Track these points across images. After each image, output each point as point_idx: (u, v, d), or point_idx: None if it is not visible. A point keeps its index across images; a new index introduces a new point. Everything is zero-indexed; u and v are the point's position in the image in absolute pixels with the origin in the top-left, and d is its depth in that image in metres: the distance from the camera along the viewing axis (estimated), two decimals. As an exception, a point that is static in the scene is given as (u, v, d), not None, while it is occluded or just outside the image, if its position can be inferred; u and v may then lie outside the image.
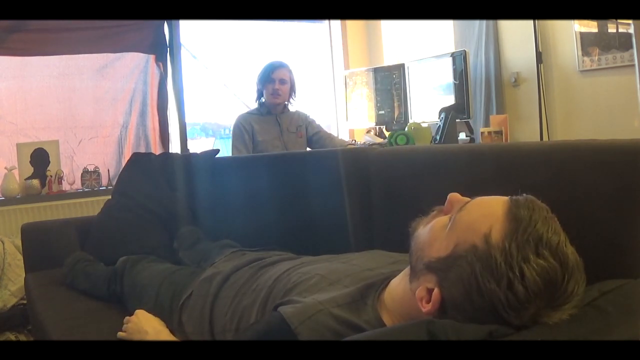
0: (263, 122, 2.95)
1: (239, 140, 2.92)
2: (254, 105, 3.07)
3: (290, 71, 2.97)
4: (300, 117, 3.04)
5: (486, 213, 0.75)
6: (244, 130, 2.91)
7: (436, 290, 0.75)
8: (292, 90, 2.97)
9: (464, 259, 0.73)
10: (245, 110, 3.15)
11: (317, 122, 3.14)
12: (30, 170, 2.89)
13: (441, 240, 0.77)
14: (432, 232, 0.80)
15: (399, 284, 0.85)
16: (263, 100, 2.97)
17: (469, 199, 0.80)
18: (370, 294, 0.86)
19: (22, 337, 2.29)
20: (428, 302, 0.76)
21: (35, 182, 2.86)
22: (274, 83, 2.89)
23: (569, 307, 0.69)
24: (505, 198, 0.77)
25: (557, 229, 0.73)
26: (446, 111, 2.84)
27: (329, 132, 3.25)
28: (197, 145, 3.82)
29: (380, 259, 1.05)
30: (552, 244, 0.70)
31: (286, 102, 2.99)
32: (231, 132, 3.01)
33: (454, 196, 0.82)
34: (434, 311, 0.75)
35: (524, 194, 0.77)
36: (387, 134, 3.56)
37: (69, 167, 3.06)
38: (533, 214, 0.73)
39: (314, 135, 3.03)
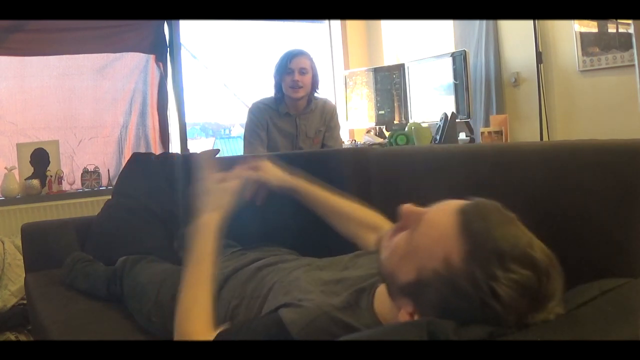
0: (280, 121, 2.61)
1: (254, 136, 2.57)
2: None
3: (311, 59, 2.59)
4: (325, 117, 2.66)
5: (441, 233, 0.72)
6: (259, 125, 2.57)
7: (415, 312, 0.74)
8: (315, 80, 2.58)
9: (431, 285, 0.71)
10: (252, 100, 2.74)
11: (339, 121, 2.78)
12: (30, 170, 2.89)
13: (404, 262, 0.76)
14: (395, 256, 0.78)
15: (386, 295, 0.83)
16: (281, 95, 2.59)
17: (423, 210, 0.78)
18: (363, 298, 0.86)
19: (22, 337, 2.29)
20: (411, 319, 0.75)
21: (35, 182, 2.86)
22: (293, 74, 2.51)
23: (552, 305, 0.68)
24: (457, 209, 0.73)
25: (517, 233, 0.71)
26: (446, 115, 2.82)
27: (338, 136, 2.81)
28: (197, 145, 3.82)
29: (369, 265, 1.04)
30: (515, 254, 0.67)
31: (309, 98, 2.59)
32: (245, 125, 2.67)
33: (407, 209, 0.79)
34: (406, 312, 0.75)
35: (475, 199, 0.74)
36: (387, 134, 3.56)
37: (69, 167, 3.06)
38: (487, 224, 0.70)
39: (324, 134, 2.69)
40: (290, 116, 2.62)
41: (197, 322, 0.96)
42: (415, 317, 0.74)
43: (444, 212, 0.74)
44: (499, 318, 0.66)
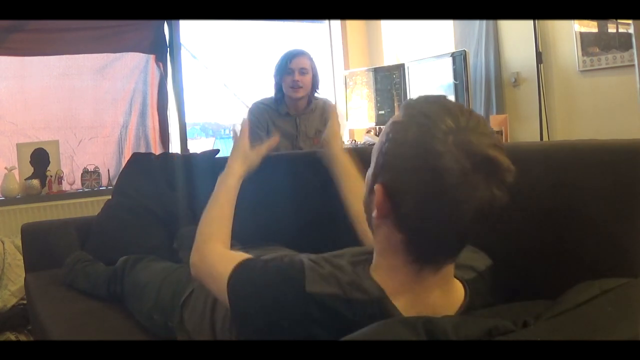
0: (280, 122, 2.60)
1: (254, 136, 2.45)
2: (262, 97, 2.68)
3: (311, 59, 2.59)
4: (325, 117, 2.64)
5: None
6: (260, 126, 2.56)
7: (377, 186, 0.76)
8: (315, 81, 2.59)
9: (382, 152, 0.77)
10: (252, 100, 2.74)
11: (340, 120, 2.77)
12: (30, 170, 2.89)
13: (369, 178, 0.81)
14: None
15: (379, 265, 0.84)
16: (281, 95, 2.58)
17: None
18: (360, 269, 0.86)
19: (22, 337, 2.29)
20: (383, 203, 0.76)
21: (35, 182, 2.86)
22: (293, 74, 2.52)
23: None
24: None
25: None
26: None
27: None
28: (197, 145, 3.82)
29: (363, 250, 1.05)
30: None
31: (309, 98, 2.60)
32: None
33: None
34: (382, 206, 0.76)
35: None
36: (387, 134, 3.55)
37: (69, 167, 3.06)
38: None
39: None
40: (290, 116, 2.61)
41: (217, 244, 1.08)
42: (376, 188, 0.76)
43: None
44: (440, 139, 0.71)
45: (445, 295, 0.80)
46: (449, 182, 0.70)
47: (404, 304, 0.77)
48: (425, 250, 0.76)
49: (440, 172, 0.70)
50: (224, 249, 1.07)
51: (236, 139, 1.40)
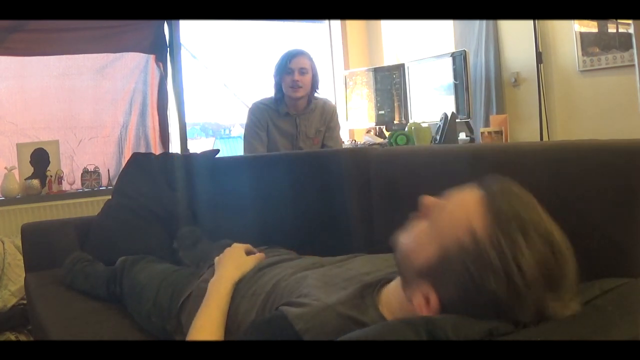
0: (280, 121, 2.61)
1: (254, 136, 2.57)
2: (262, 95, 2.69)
3: (311, 59, 2.59)
4: (325, 117, 2.66)
5: (466, 209, 0.73)
6: (259, 126, 2.57)
7: (433, 297, 0.74)
8: (314, 80, 2.59)
9: (455, 259, 0.71)
10: (252, 100, 2.74)
11: (339, 121, 2.76)
12: (30, 170, 2.89)
13: (426, 245, 0.76)
14: (415, 239, 0.79)
15: (395, 289, 0.84)
16: (281, 95, 2.58)
17: (443, 199, 0.79)
18: (368, 295, 0.86)
19: (22, 337, 2.29)
20: (427, 308, 0.75)
21: (35, 182, 2.86)
22: (293, 74, 2.52)
23: (568, 295, 0.68)
24: (479, 186, 0.76)
25: (538, 210, 0.73)
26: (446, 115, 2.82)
27: (338, 136, 2.79)
28: (197, 145, 3.82)
29: (374, 262, 1.05)
30: (537, 227, 0.70)
31: (309, 98, 2.60)
32: (245, 125, 2.65)
33: (428, 199, 0.80)
34: (428, 305, 0.75)
35: (494, 177, 0.76)
36: (387, 134, 3.56)
37: (69, 167, 3.06)
38: (510, 197, 0.72)
39: (324, 134, 2.68)
40: (290, 116, 2.61)
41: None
42: (432, 300, 0.74)
43: (468, 192, 0.76)
44: (520, 299, 0.67)
45: None
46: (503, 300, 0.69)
47: None
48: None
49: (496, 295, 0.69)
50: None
51: (229, 248, 1.28)
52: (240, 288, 1.14)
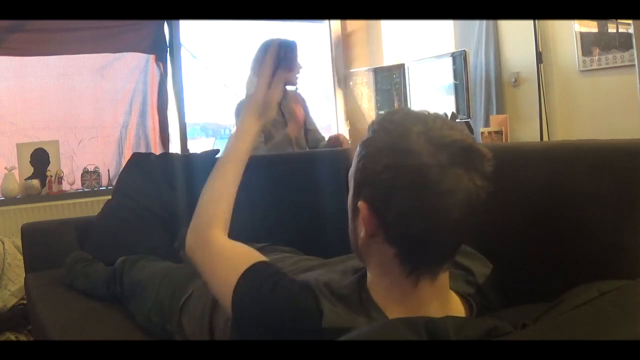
0: None
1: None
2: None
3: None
4: (299, 102, 2.72)
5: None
6: None
7: (360, 203, 0.75)
8: None
9: (360, 169, 0.77)
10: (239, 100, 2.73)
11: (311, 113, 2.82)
12: (30, 170, 2.89)
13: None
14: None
15: (374, 278, 0.83)
16: None
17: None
18: (363, 287, 0.85)
19: (22, 337, 2.29)
20: (365, 222, 0.75)
21: (35, 182, 2.86)
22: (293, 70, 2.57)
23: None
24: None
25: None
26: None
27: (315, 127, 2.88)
28: (197, 145, 3.81)
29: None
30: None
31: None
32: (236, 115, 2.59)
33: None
34: (369, 223, 0.75)
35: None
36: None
37: (69, 167, 3.06)
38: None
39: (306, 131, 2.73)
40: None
41: (220, 230, 0.99)
42: (360, 205, 0.75)
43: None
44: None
45: (444, 309, 0.79)
46: (430, 179, 0.70)
47: None
48: (421, 259, 0.75)
49: (419, 171, 0.70)
50: (227, 240, 0.98)
51: (255, 81, 1.18)
52: None
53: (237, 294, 0.83)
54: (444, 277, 0.79)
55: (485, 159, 0.73)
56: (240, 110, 2.58)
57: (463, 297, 0.84)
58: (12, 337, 2.28)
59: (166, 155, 2.48)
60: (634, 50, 2.34)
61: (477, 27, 3.36)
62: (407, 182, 0.71)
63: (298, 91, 2.80)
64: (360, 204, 0.76)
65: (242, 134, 1.08)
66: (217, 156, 2.12)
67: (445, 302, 0.80)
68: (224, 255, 0.93)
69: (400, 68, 3.62)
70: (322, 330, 0.74)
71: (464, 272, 0.87)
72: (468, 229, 0.74)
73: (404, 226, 0.73)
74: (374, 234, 0.76)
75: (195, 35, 3.62)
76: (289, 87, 2.69)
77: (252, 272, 0.85)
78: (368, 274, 0.82)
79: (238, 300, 0.83)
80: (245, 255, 0.91)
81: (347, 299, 0.80)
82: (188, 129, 3.47)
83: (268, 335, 0.78)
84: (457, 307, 0.82)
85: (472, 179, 0.70)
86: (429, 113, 0.76)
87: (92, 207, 2.83)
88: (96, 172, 3.06)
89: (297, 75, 2.60)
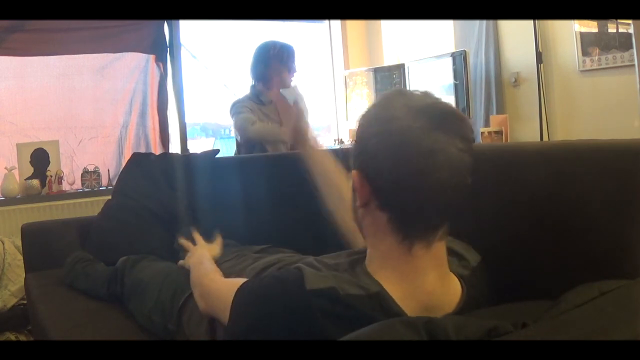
0: (265, 109, 2.61)
1: (249, 116, 2.51)
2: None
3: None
4: (296, 100, 2.81)
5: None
6: (249, 111, 2.54)
7: (353, 172, 0.81)
8: None
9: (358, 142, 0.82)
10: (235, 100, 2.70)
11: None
12: (30, 170, 2.89)
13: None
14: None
15: (373, 256, 0.85)
16: (264, 82, 2.59)
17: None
18: (357, 266, 0.86)
19: (22, 337, 2.29)
20: (359, 190, 0.80)
21: (35, 182, 2.86)
22: (290, 72, 2.62)
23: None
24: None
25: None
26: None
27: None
28: (197, 145, 3.81)
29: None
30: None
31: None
32: (235, 112, 2.58)
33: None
34: (361, 191, 0.80)
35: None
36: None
37: (69, 167, 3.06)
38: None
39: None
40: (272, 103, 2.63)
41: (213, 276, 1.14)
42: (353, 174, 0.81)
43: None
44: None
45: (442, 283, 0.81)
46: (411, 141, 0.74)
47: (402, 295, 0.77)
48: (412, 224, 0.78)
49: (401, 134, 0.75)
50: (222, 279, 1.13)
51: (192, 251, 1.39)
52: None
53: (235, 301, 0.86)
54: (440, 248, 0.81)
55: (464, 122, 0.78)
56: (235, 110, 2.62)
57: (457, 277, 0.85)
58: (12, 337, 2.28)
59: (166, 155, 2.48)
60: (634, 50, 2.34)
61: (477, 27, 3.36)
62: (391, 145, 0.76)
63: (297, 89, 2.79)
64: (353, 172, 0.81)
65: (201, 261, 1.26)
66: (217, 156, 2.13)
67: (443, 275, 0.82)
68: (222, 287, 1.05)
69: (400, 68, 3.62)
70: (308, 294, 0.75)
71: (456, 259, 0.89)
72: (455, 192, 0.76)
73: (393, 189, 0.77)
74: (367, 201, 0.80)
75: (195, 35, 3.62)
76: (282, 90, 2.69)
77: (245, 282, 0.91)
78: (367, 248, 0.85)
79: (236, 304, 0.85)
80: (239, 280, 0.97)
81: (336, 268, 0.85)
82: (188, 129, 3.47)
83: (261, 320, 0.79)
84: (454, 285, 0.83)
85: (453, 141, 0.74)
86: (416, 90, 0.82)
87: (92, 207, 2.83)
88: (96, 172, 3.06)
89: (292, 78, 2.60)
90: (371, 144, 0.78)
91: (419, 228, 0.78)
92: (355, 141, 0.82)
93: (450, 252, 0.88)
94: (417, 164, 0.74)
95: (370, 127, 0.79)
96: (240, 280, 0.94)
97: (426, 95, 0.79)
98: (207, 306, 1.08)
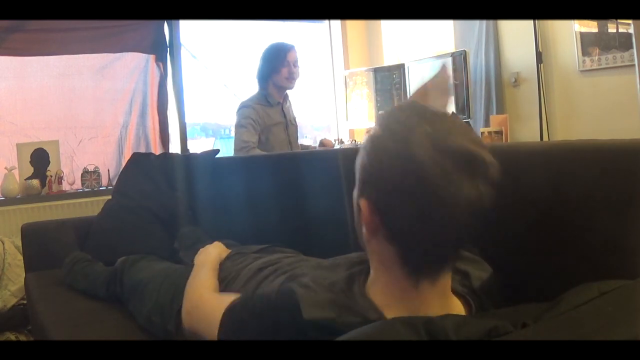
0: (271, 111, 2.69)
1: (249, 134, 2.60)
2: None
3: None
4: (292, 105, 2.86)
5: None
6: (255, 124, 2.62)
7: (362, 201, 0.76)
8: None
9: (366, 166, 0.77)
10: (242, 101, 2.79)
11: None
12: (30, 170, 2.89)
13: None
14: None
15: (377, 280, 0.83)
16: (268, 85, 2.68)
17: None
18: (355, 284, 0.85)
19: (22, 337, 2.29)
20: (366, 216, 0.76)
21: (35, 182, 2.86)
22: (290, 66, 2.68)
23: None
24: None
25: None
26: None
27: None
28: (197, 145, 3.81)
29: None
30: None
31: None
32: (239, 122, 2.66)
33: None
34: (370, 221, 0.76)
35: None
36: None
37: (69, 167, 3.06)
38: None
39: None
40: (279, 105, 2.73)
41: (204, 291, 1.12)
42: (361, 203, 0.76)
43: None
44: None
45: (443, 309, 0.78)
46: (433, 186, 0.69)
47: None
48: (421, 260, 0.75)
49: (423, 177, 0.70)
50: (212, 294, 1.11)
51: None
52: (241, 287, 1.14)
53: (223, 324, 0.87)
54: (446, 279, 0.79)
55: (491, 166, 0.72)
56: (250, 113, 2.65)
57: (462, 296, 0.84)
58: (12, 337, 2.28)
59: (166, 155, 2.49)
60: (634, 50, 2.34)
61: (477, 27, 3.36)
62: (409, 188, 0.71)
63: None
64: (362, 202, 0.76)
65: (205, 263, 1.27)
66: (217, 156, 2.13)
67: (446, 303, 0.80)
68: (210, 304, 1.04)
69: (400, 68, 3.62)
70: (304, 323, 0.75)
71: (460, 277, 0.87)
72: (470, 234, 0.74)
73: (405, 229, 0.73)
74: (375, 232, 0.76)
75: (195, 35, 3.62)
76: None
77: (233, 304, 0.90)
78: (371, 270, 0.83)
79: (224, 330, 0.87)
80: (229, 298, 0.96)
81: (332, 288, 0.81)
82: (188, 129, 3.47)
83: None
84: (457, 309, 0.82)
85: (476, 186, 0.70)
86: (438, 112, 0.75)
87: (92, 207, 2.83)
88: (96, 172, 3.05)
89: (297, 78, 2.70)
90: (386, 180, 0.73)
91: (428, 265, 0.76)
92: (366, 167, 0.77)
93: (454, 269, 0.85)
94: (435, 211, 0.70)
95: (386, 159, 0.73)
96: (228, 299, 0.92)
97: (452, 125, 0.73)
98: (192, 322, 1.06)
